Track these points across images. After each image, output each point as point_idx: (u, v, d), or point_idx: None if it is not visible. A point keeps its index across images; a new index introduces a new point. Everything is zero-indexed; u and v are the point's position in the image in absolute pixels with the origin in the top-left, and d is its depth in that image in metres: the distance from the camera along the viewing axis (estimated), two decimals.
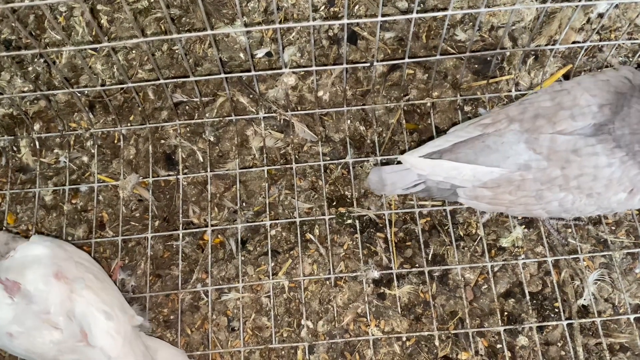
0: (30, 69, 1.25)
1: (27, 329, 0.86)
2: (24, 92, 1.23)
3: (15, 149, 1.21)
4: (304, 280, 1.08)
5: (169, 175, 1.17)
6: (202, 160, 1.18)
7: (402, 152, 1.15)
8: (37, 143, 1.20)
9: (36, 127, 1.22)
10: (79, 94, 1.21)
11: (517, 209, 0.96)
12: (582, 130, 0.88)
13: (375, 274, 1.07)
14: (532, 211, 0.96)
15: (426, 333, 1.04)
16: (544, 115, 0.91)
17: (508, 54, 1.21)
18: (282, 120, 1.20)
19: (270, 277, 1.08)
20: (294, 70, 1.18)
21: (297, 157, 1.18)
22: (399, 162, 1.02)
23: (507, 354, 1.02)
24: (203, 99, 1.21)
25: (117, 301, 0.94)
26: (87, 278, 0.92)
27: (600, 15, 1.19)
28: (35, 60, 1.25)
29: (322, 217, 1.12)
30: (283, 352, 1.04)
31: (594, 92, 0.89)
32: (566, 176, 0.89)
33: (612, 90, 0.89)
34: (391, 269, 1.08)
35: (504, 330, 1.04)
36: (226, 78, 1.13)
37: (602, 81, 0.91)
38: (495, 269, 1.08)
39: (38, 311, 0.87)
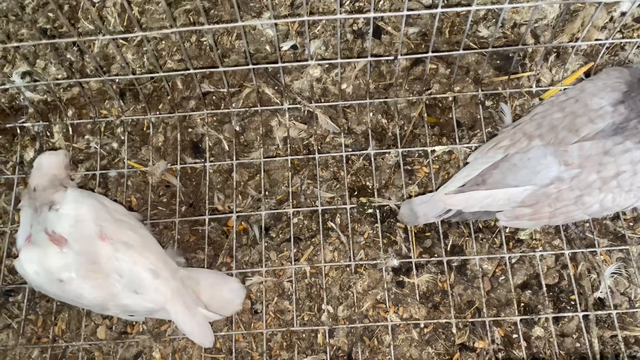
0: (64, 56, 1.29)
1: (78, 276, 0.91)
2: (58, 79, 1.27)
3: (48, 134, 1.25)
4: (325, 266, 1.11)
5: (195, 162, 1.21)
6: (227, 149, 1.22)
7: (424, 146, 1.18)
8: (70, 129, 1.25)
9: (69, 113, 1.26)
10: (111, 82, 1.25)
11: (559, 219, 0.97)
12: (605, 132, 0.90)
13: (395, 262, 1.10)
14: (574, 217, 0.97)
15: (444, 321, 1.06)
16: (560, 126, 0.94)
17: (530, 50, 1.23)
18: (306, 112, 1.23)
19: (293, 263, 1.11)
20: (319, 62, 1.21)
21: (319, 147, 1.21)
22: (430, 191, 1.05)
23: (523, 343, 1.04)
24: (230, 89, 1.25)
25: (160, 256, 0.97)
26: (130, 237, 0.95)
27: (623, 14, 1.20)
28: (70, 48, 1.29)
29: (343, 206, 1.15)
30: (304, 335, 1.08)
31: (601, 95, 0.93)
32: (604, 178, 0.91)
33: (617, 89, 0.92)
34: (410, 258, 1.10)
35: (520, 320, 1.06)
36: (253, 69, 1.16)
37: (602, 83, 0.95)
38: (513, 260, 1.10)
39: (87, 262, 0.91)
